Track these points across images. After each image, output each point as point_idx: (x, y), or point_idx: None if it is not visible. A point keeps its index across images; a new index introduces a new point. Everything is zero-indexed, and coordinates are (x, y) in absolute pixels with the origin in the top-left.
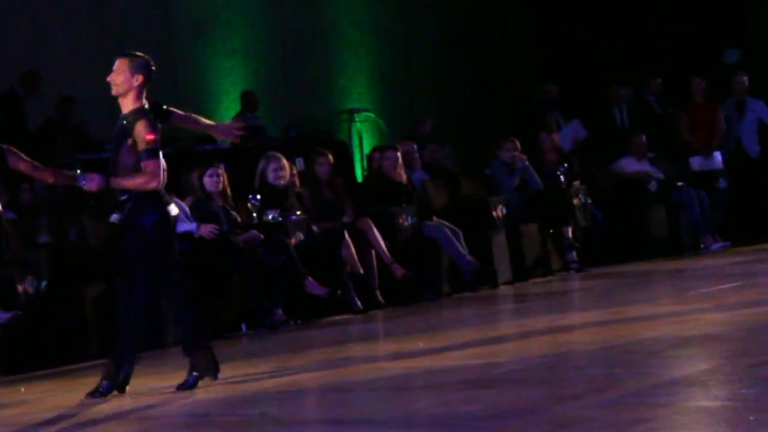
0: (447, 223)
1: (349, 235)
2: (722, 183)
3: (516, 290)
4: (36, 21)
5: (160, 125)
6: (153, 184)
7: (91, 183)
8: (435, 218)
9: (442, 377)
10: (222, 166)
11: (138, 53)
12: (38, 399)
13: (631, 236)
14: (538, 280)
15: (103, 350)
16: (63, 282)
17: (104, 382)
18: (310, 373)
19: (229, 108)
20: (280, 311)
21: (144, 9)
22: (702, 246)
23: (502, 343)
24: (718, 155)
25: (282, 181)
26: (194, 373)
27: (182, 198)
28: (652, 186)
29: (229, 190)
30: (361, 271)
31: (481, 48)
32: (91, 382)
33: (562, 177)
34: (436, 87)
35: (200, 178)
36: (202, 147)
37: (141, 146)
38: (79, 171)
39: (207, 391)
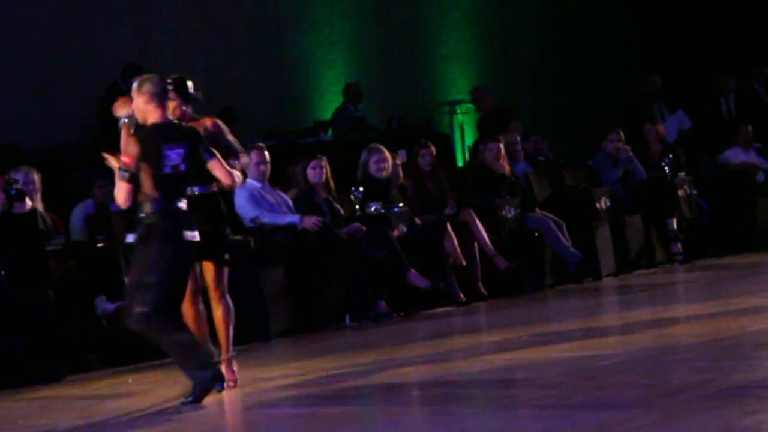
0: (550, 215)
1: (452, 227)
2: None
3: (620, 282)
4: (140, 11)
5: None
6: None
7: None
8: (538, 210)
9: (546, 369)
10: (325, 159)
11: (146, 73)
12: (146, 390)
13: (737, 227)
14: (643, 271)
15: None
16: None
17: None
18: (414, 365)
19: (333, 100)
20: (383, 303)
21: (251, 1)
22: None
23: (606, 336)
24: None
25: (384, 173)
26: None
27: (286, 190)
28: (760, 177)
29: (332, 182)
30: (464, 263)
31: (583, 38)
32: None
33: (666, 168)
34: (537, 78)
35: (304, 170)
36: (306, 140)
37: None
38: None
39: (311, 385)
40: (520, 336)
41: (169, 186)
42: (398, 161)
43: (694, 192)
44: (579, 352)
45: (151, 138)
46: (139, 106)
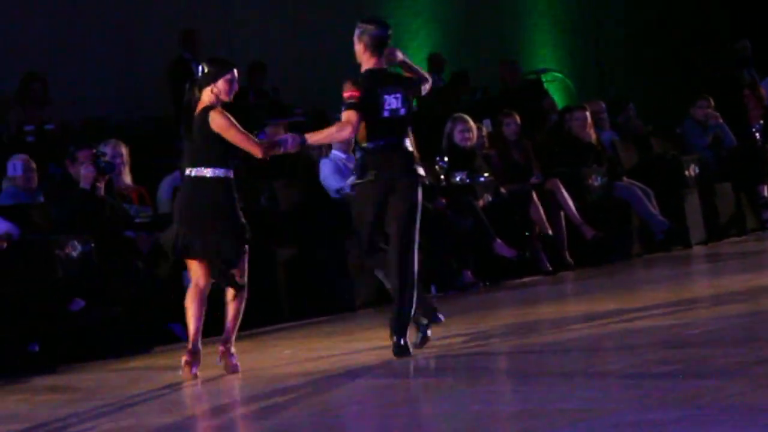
0: (638, 183)
1: (538, 197)
2: None
3: (709, 250)
4: None
5: (371, 88)
6: (343, 134)
7: (287, 145)
8: (626, 178)
9: (634, 338)
10: (409, 129)
11: (364, 20)
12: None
13: None
14: (733, 239)
15: (295, 313)
16: (255, 246)
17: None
18: (501, 335)
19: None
20: (469, 273)
21: None
22: None
23: (696, 304)
24: None
25: (469, 143)
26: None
27: None
28: None
29: (416, 153)
30: (550, 233)
31: (671, 3)
32: (283, 344)
33: (758, 134)
34: (625, 45)
35: None
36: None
37: (342, 104)
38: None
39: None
40: (608, 305)
41: (387, 129)
42: (483, 131)
43: None
44: (668, 321)
45: (368, 83)
46: (358, 53)
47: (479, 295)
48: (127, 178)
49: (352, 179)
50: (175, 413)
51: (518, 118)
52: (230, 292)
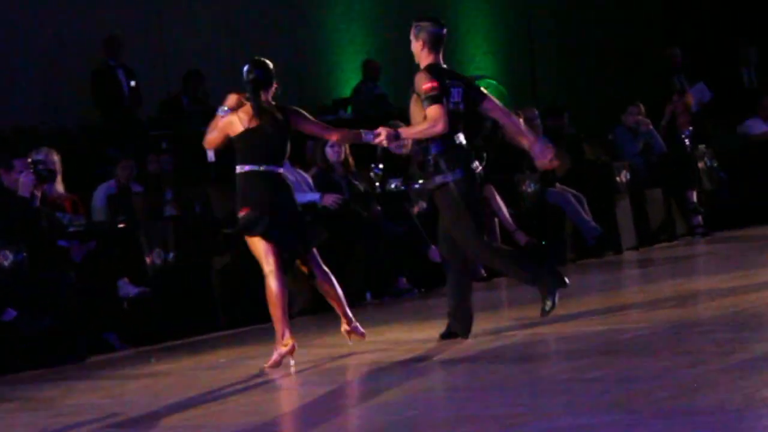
0: (570, 190)
1: None
2: None
3: (641, 256)
4: None
5: (441, 80)
6: (437, 128)
7: (380, 138)
8: (558, 185)
9: (566, 344)
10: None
11: (419, 20)
12: (169, 370)
13: (757, 199)
14: (663, 245)
15: (231, 322)
16: (190, 254)
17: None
18: (433, 343)
19: (351, 78)
20: (404, 280)
21: None
22: None
23: (627, 309)
24: None
25: (403, 150)
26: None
27: (306, 169)
28: None
29: (351, 160)
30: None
31: (603, 11)
32: (219, 353)
33: (687, 141)
34: (558, 52)
35: (322, 148)
36: (324, 117)
37: (422, 97)
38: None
39: (323, 361)
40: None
41: (452, 122)
42: None
43: (715, 164)
44: (600, 327)
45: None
46: (416, 50)
47: (414, 301)
48: (60, 187)
49: (445, 177)
50: (113, 421)
51: None
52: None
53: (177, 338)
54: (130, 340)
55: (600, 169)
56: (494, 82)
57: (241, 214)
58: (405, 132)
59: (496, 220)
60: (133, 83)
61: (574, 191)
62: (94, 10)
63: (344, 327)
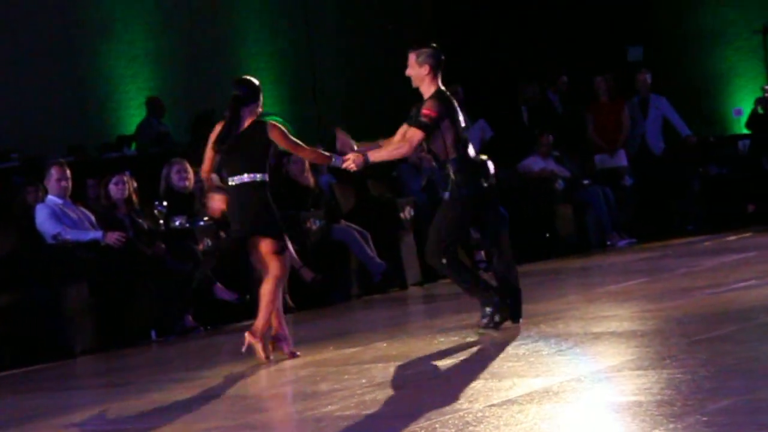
0: (355, 226)
1: None
2: (627, 180)
3: (425, 291)
4: None
5: (445, 108)
6: (402, 151)
7: (348, 163)
8: (343, 221)
9: (352, 380)
10: (128, 174)
11: (415, 48)
12: None
13: (538, 235)
14: (447, 280)
15: (15, 360)
16: None
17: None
18: (220, 380)
19: (136, 115)
20: (189, 318)
21: (47, 13)
22: (608, 243)
23: (411, 345)
24: (622, 153)
25: (187, 185)
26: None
27: (88, 206)
28: (559, 185)
29: (135, 197)
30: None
31: (383, 49)
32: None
33: None
34: (342, 91)
35: (106, 186)
36: (108, 155)
37: (412, 115)
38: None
39: (117, 398)
40: (327, 348)
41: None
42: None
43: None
44: (383, 362)
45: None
46: (419, 75)
47: (200, 340)
48: None
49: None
50: None
51: None
52: None
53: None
54: None
55: (384, 205)
56: (280, 119)
57: None
58: (373, 156)
59: None
60: None
61: (358, 228)
62: None
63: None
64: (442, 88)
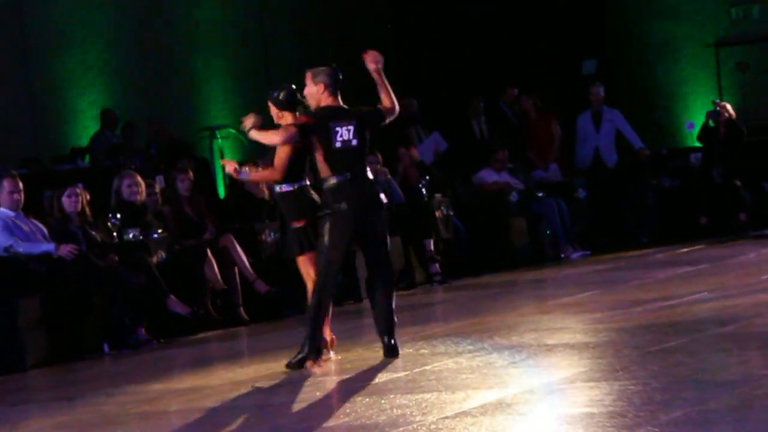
0: None
1: (212, 253)
2: (581, 193)
3: None
4: None
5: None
6: (274, 177)
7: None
8: None
9: (307, 393)
10: (81, 186)
11: (312, 68)
12: None
13: (493, 247)
14: (402, 292)
15: None
16: None
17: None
18: (173, 393)
19: (89, 126)
20: (142, 330)
21: (0, 24)
22: (562, 255)
23: (369, 359)
24: (555, 167)
25: (138, 197)
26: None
27: (41, 219)
28: (513, 197)
29: (88, 210)
30: (225, 288)
31: (339, 60)
32: None
33: (423, 190)
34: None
35: (59, 198)
36: (61, 167)
37: None
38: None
39: (77, 412)
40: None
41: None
42: (156, 187)
43: (451, 213)
44: (336, 376)
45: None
46: (314, 94)
47: (153, 353)
48: None
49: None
50: None
51: (192, 174)
52: None
53: None
54: None
55: None
56: (234, 131)
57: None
58: (254, 176)
59: (236, 269)
60: None
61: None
62: None
63: None
64: (340, 105)
